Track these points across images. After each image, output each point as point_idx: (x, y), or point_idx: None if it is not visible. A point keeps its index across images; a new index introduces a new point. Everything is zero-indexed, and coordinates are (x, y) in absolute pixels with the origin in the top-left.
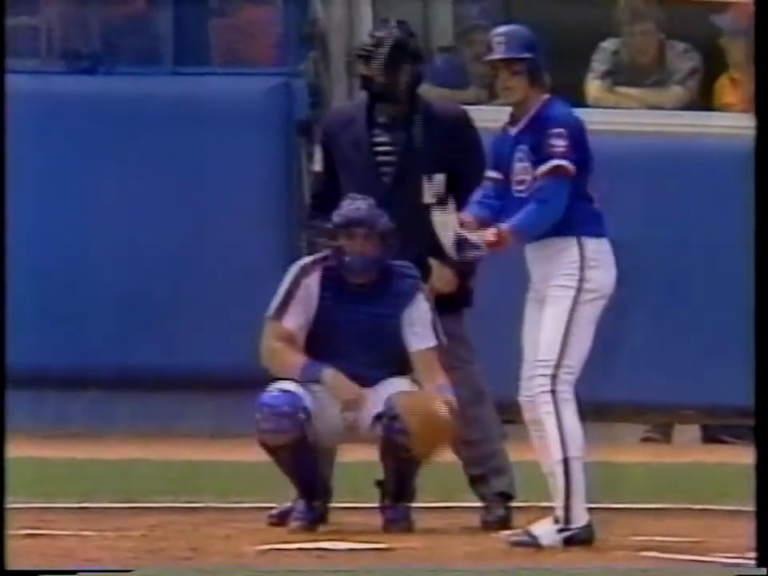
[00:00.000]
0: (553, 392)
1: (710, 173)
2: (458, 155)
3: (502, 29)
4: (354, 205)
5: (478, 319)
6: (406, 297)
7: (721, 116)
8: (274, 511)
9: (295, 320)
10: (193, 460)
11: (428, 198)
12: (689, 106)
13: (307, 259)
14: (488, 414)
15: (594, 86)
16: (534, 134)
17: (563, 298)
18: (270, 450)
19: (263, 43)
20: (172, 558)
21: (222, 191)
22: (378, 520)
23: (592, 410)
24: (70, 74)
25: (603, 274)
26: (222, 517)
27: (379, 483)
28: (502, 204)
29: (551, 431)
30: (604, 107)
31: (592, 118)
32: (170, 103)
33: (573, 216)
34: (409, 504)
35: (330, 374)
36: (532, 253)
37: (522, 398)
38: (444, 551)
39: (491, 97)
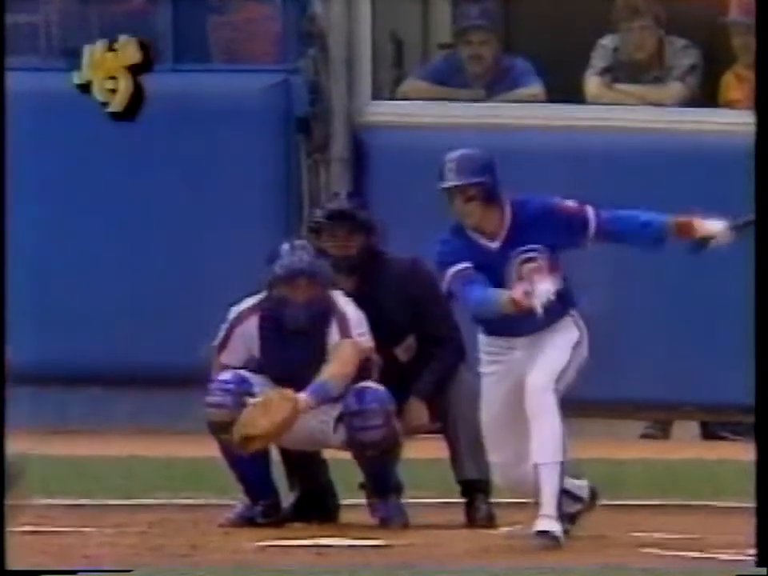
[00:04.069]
0: (555, 391)
1: (711, 170)
2: (419, 317)
3: (453, 154)
4: (295, 255)
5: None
6: (325, 326)
7: (722, 113)
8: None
9: (234, 357)
10: (193, 457)
11: (402, 357)
12: (692, 103)
13: (243, 306)
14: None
15: (593, 83)
16: (529, 234)
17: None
18: (216, 433)
19: (262, 40)
20: (172, 554)
21: (220, 188)
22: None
23: (591, 407)
24: (69, 71)
25: None
26: (222, 514)
27: (362, 486)
28: None
29: (552, 428)
30: (603, 104)
31: (591, 115)
32: (169, 100)
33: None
34: (398, 499)
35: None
36: None
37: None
38: (444, 548)
39: (488, 95)
